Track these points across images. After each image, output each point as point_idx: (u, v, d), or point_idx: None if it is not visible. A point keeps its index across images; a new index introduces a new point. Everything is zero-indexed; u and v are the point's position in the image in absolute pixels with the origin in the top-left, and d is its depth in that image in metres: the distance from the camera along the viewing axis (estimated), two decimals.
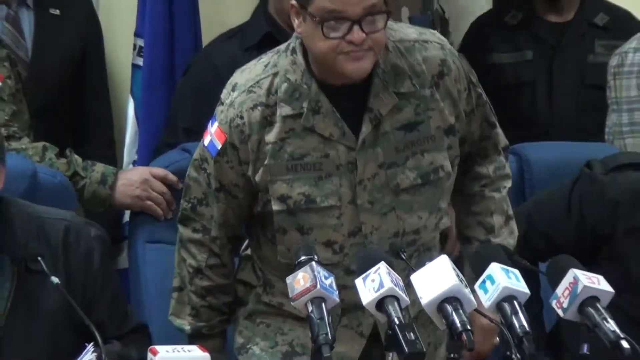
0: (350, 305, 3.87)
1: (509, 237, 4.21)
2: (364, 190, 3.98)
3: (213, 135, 4.03)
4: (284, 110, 3.94)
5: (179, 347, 3.63)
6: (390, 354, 3.48)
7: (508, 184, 4.24)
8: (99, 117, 5.49)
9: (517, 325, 3.45)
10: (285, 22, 4.95)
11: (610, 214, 4.59)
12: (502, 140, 4.26)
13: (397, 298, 3.48)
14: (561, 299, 3.58)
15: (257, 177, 3.98)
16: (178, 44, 5.29)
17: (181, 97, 5.16)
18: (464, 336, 3.41)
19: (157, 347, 3.59)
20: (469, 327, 3.43)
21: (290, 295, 3.56)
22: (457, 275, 3.50)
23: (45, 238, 3.92)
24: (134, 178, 4.82)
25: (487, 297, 3.51)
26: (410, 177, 4.02)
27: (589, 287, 3.54)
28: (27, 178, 4.50)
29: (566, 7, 5.63)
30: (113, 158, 5.33)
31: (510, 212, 4.24)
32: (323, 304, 3.48)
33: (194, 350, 3.62)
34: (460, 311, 3.44)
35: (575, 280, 3.55)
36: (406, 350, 3.39)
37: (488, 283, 3.53)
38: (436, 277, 3.50)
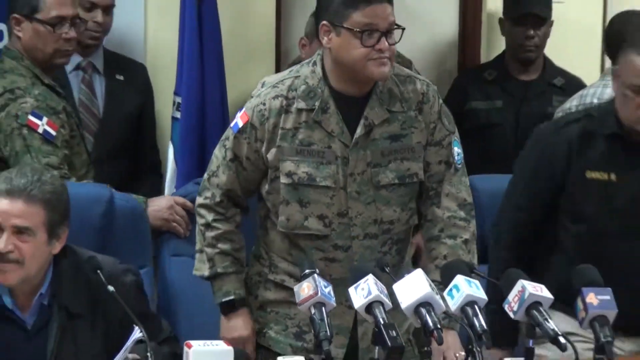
0: (337, 279, 3.82)
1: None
2: (354, 181, 3.97)
3: (238, 118, 4.00)
4: (299, 104, 3.94)
5: (208, 342, 3.60)
6: (377, 347, 3.49)
7: (466, 234, 4.11)
8: (152, 164, 5.50)
9: (477, 324, 3.46)
10: None
11: (561, 162, 4.37)
12: (466, 194, 4.16)
13: (382, 303, 3.49)
14: (512, 304, 3.59)
15: (270, 155, 3.95)
16: (208, 102, 5.24)
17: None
18: (435, 333, 3.42)
19: (192, 342, 3.57)
20: (439, 326, 3.43)
21: (296, 301, 3.56)
22: (430, 285, 3.50)
23: (89, 288, 3.73)
24: (162, 204, 4.77)
25: (453, 302, 3.53)
26: (389, 177, 4.00)
27: (533, 294, 3.56)
28: (104, 202, 4.46)
29: (532, 69, 5.61)
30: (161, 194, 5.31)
31: (470, 260, 4.09)
32: (323, 308, 3.49)
33: (221, 345, 3.60)
34: (432, 313, 3.45)
35: (523, 289, 3.57)
36: (389, 344, 3.40)
37: (454, 291, 3.54)
38: (413, 286, 3.50)
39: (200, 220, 4.12)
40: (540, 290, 3.59)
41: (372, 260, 3.93)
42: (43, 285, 3.70)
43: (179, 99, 5.26)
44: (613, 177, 4.27)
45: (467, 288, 3.54)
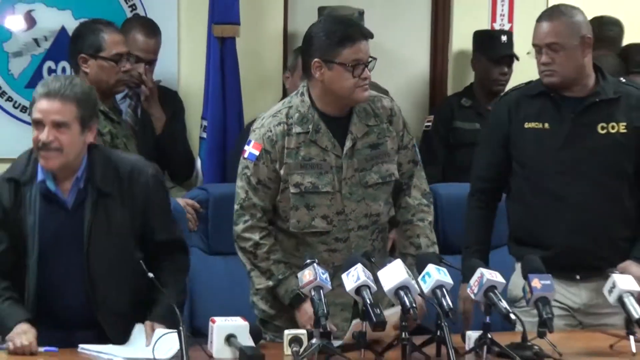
0: (338, 265, 3.81)
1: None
2: (347, 184, 3.95)
3: (251, 148, 3.91)
4: (296, 129, 3.90)
5: (228, 318, 3.59)
6: (364, 322, 3.51)
7: (430, 217, 4.11)
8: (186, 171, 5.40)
9: (444, 303, 3.48)
10: None
11: (505, 121, 4.29)
12: (426, 186, 4.16)
13: (368, 287, 3.51)
14: (473, 287, 3.61)
15: (282, 171, 3.90)
16: (228, 124, 5.21)
17: (235, 155, 5.05)
18: (412, 311, 3.45)
19: (215, 318, 3.58)
20: (414, 306, 3.46)
21: (299, 285, 3.59)
22: (407, 272, 3.53)
23: (118, 174, 3.74)
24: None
25: (425, 286, 3.55)
26: (374, 178, 3.98)
27: (490, 280, 3.58)
28: None
29: (494, 99, 5.32)
30: None
31: (434, 238, 4.11)
32: (321, 290, 3.51)
33: (238, 320, 3.59)
34: (409, 295, 3.48)
35: (482, 275, 3.60)
36: (374, 320, 3.44)
37: (427, 277, 3.56)
38: (393, 274, 3.53)
39: (246, 244, 3.93)
40: (495, 277, 3.61)
41: (363, 249, 3.94)
42: (79, 170, 3.71)
43: (205, 122, 5.24)
44: (547, 125, 4.21)
45: (436, 275, 3.55)
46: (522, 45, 5.67)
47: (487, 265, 3.86)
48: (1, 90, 5.20)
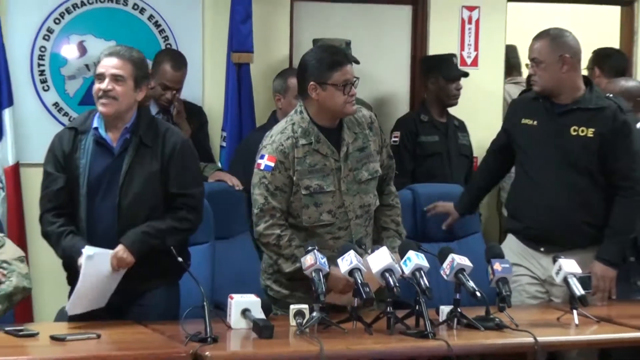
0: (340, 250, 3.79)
1: (403, 230, 4.15)
2: (344, 183, 3.92)
3: (265, 161, 3.86)
4: (301, 141, 3.88)
5: (244, 295, 3.59)
6: (356, 298, 3.53)
7: (399, 200, 4.17)
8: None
9: (422, 283, 3.49)
10: None
11: (511, 115, 4.45)
12: (393, 176, 4.20)
13: (359, 269, 3.53)
14: (446, 270, 3.63)
15: (295, 177, 3.87)
16: (244, 136, 5.14)
17: (235, 160, 4.99)
18: (395, 290, 3.47)
19: (233, 295, 3.58)
20: (397, 285, 3.48)
21: (302, 268, 3.60)
22: (392, 257, 3.54)
23: (155, 130, 3.77)
24: None
25: (407, 269, 3.56)
26: (365, 175, 3.96)
27: (460, 263, 3.60)
28: None
29: (445, 114, 5.39)
30: None
31: (400, 215, 4.15)
32: (320, 272, 3.53)
33: (252, 297, 3.59)
34: (393, 276, 3.50)
35: (453, 259, 3.62)
36: (364, 297, 3.46)
37: (407, 261, 3.57)
38: (380, 259, 3.54)
39: (269, 239, 3.84)
40: (464, 261, 3.62)
41: (360, 234, 3.95)
42: (128, 123, 3.73)
43: (224, 134, 5.22)
44: (535, 123, 4.24)
45: (416, 259, 3.56)
46: (486, 66, 5.76)
47: (476, 205, 4.47)
48: (59, 106, 5.19)
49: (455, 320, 3.60)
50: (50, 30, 5.17)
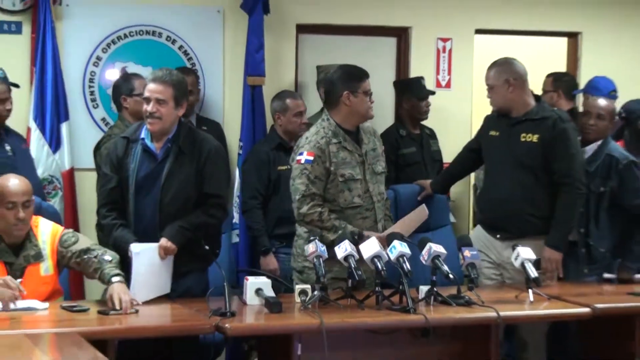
0: (367, 228, 3.87)
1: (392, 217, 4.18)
2: (367, 173, 3.95)
3: (305, 156, 3.85)
4: (333, 140, 3.90)
5: (257, 277, 3.60)
6: (350, 280, 3.51)
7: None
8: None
9: (405, 267, 3.48)
10: (287, 135, 4.75)
11: (482, 128, 4.43)
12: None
13: (352, 255, 3.51)
14: (424, 256, 3.60)
15: (332, 167, 3.89)
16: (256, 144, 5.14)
17: (248, 166, 4.86)
18: (383, 273, 3.47)
19: (249, 277, 3.57)
20: (385, 268, 3.47)
21: (306, 254, 3.58)
22: (380, 246, 3.53)
23: (192, 140, 3.71)
24: None
25: (392, 255, 3.54)
26: (379, 168, 4.01)
27: (436, 250, 3.59)
28: None
29: (418, 126, 5.29)
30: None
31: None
32: (321, 259, 3.51)
33: (264, 279, 3.58)
34: (381, 261, 3.49)
35: (430, 247, 3.60)
36: (357, 278, 3.45)
37: (393, 249, 3.55)
38: (370, 247, 3.53)
39: (312, 217, 3.82)
40: (440, 249, 3.60)
41: (381, 216, 3.98)
42: (170, 134, 3.70)
43: (241, 143, 5.16)
44: (497, 133, 4.25)
45: (400, 247, 3.55)
46: (457, 87, 5.69)
47: (446, 188, 4.55)
48: (106, 121, 5.14)
49: (432, 297, 3.59)
50: (99, 58, 5.15)
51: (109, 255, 3.51)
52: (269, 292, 3.52)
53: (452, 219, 5.12)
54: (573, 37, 5.99)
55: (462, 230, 5.42)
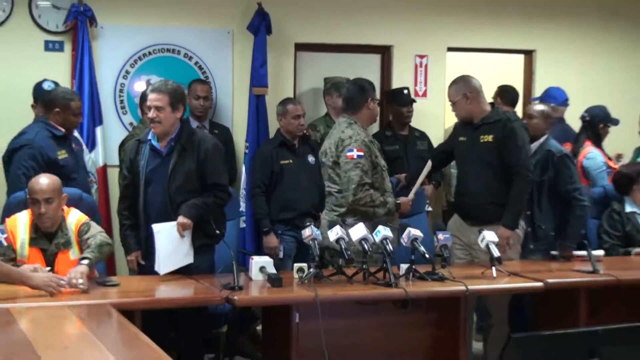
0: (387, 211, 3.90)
1: None
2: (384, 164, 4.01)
3: (356, 152, 3.85)
4: (368, 138, 3.95)
5: (261, 256, 3.53)
6: (341, 259, 3.45)
7: None
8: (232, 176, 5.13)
9: (388, 248, 3.42)
10: (288, 135, 4.66)
11: (453, 134, 4.38)
12: None
13: (344, 238, 3.45)
14: (404, 238, 3.54)
15: (376, 160, 3.92)
16: (260, 145, 5.03)
17: (255, 163, 4.76)
18: (368, 253, 3.40)
19: (254, 256, 3.50)
20: (370, 249, 3.41)
21: (303, 238, 3.50)
22: (367, 230, 3.45)
23: (192, 139, 3.63)
24: None
25: (377, 238, 3.47)
26: (384, 162, 4.04)
27: (414, 234, 3.53)
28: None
29: (405, 128, 5.28)
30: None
31: None
32: (316, 241, 3.45)
33: (267, 258, 3.51)
34: (368, 243, 3.43)
35: (409, 231, 3.54)
36: (346, 257, 3.39)
37: (378, 233, 3.49)
38: (358, 231, 3.46)
39: (366, 199, 3.82)
40: (418, 232, 3.55)
41: (397, 200, 3.97)
42: (172, 134, 3.65)
43: (247, 144, 5.11)
44: (464, 138, 4.21)
45: (384, 231, 3.49)
46: (432, 96, 5.66)
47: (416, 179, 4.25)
48: (133, 125, 5.08)
49: (411, 274, 3.54)
50: (127, 72, 5.12)
51: (93, 242, 3.42)
52: (272, 269, 3.46)
53: (428, 207, 5.07)
54: (529, 54, 5.96)
55: (437, 217, 5.40)
